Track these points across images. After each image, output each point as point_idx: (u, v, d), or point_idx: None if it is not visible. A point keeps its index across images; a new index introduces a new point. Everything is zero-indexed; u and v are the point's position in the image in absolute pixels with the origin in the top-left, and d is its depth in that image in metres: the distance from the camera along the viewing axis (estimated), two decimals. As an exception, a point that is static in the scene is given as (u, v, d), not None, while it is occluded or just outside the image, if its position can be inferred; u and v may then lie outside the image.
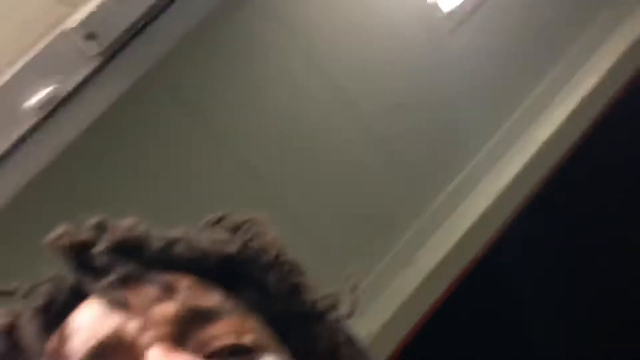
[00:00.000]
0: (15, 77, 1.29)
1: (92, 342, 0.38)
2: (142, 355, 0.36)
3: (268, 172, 1.82)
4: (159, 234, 0.45)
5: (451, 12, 2.04)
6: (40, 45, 1.32)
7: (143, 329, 0.38)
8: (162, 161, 1.67)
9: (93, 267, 0.42)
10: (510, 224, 2.03)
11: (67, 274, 0.44)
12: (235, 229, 0.47)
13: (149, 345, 0.37)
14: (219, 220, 0.48)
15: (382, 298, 1.94)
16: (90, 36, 1.31)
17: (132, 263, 0.41)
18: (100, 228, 0.43)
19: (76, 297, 0.43)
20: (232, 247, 0.45)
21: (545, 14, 2.21)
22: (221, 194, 1.78)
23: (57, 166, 1.37)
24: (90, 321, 0.40)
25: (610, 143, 2.16)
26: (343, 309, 0.48)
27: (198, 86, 1.70)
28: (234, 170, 1.77)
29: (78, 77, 1.33)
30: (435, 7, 2.02)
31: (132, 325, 0.38)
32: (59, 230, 0.43)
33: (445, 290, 1.93)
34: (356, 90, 1.91)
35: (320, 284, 0.50)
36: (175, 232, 0.45)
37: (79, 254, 0.42)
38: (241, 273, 0.45)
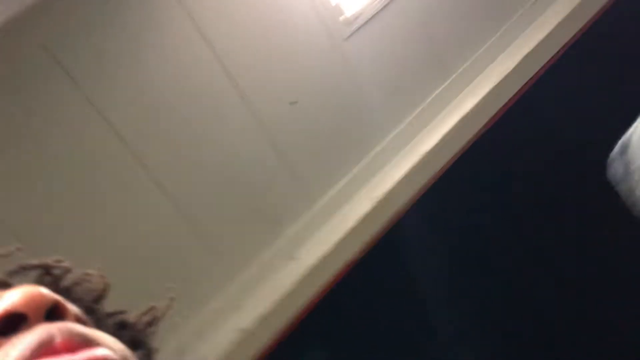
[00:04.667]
0: None
1: None
2: None
3: (153, 159, 1.75)
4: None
5: (350, 18, 2.06)
6: None
7: None
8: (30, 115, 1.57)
9: None
10: (392, 226, 2.10)
11: None
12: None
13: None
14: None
15: (261, 291, 1.93)
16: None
17: None
18: None
19: None
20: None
21: (439, 33, 2.31)
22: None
23: None
24: None
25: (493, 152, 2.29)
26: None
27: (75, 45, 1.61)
28: (119, 161, 1.69)
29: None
30: (337, 10, 2.04)
31: None
32: None
33: (324, 286, 1.96)
34: (250, 87, 1.89)
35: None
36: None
37: None
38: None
